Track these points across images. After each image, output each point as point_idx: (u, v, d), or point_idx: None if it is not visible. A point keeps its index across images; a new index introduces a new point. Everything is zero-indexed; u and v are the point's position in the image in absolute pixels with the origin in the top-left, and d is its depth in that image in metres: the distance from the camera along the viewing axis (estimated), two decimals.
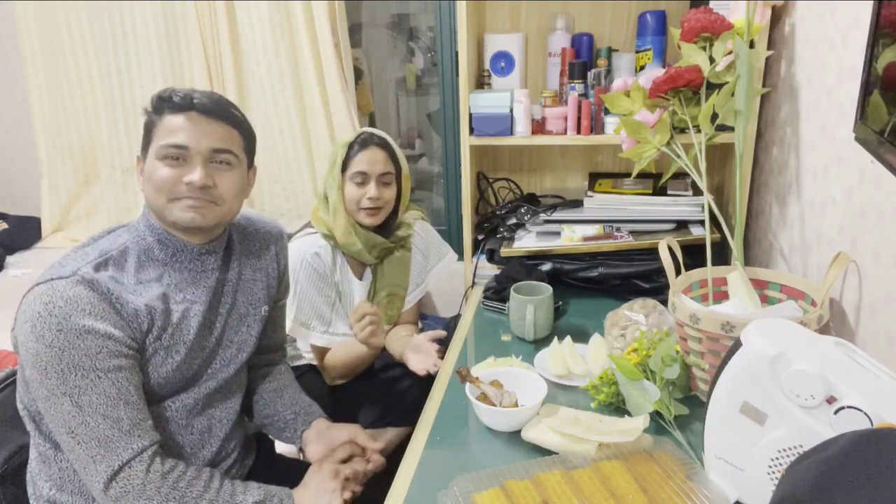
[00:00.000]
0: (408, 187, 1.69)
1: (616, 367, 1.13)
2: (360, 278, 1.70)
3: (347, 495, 1.14)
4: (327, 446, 1.25)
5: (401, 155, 1.65)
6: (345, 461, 1.22)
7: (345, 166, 1.59)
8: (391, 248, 1.68)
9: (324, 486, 1.13)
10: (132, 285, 1.04)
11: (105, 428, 0.97)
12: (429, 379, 1.40)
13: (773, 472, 0.83)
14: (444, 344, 1.52)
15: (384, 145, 1.60)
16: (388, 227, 1.66)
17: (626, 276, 1.62)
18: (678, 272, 1.24)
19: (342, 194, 1.59)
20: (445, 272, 1.84)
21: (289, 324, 1.53)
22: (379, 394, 1.65)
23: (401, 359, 1.57)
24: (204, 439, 1.15)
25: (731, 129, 1.25)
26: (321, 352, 1.66)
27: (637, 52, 1.80)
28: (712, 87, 1.27)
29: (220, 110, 1.08)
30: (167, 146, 1.04)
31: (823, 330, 1.05)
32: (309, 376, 1.70)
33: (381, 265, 1.70)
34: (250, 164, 1.17)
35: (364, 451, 1.26)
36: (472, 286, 1.85)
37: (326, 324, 1.62)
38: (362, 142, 1.59)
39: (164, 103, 1.06)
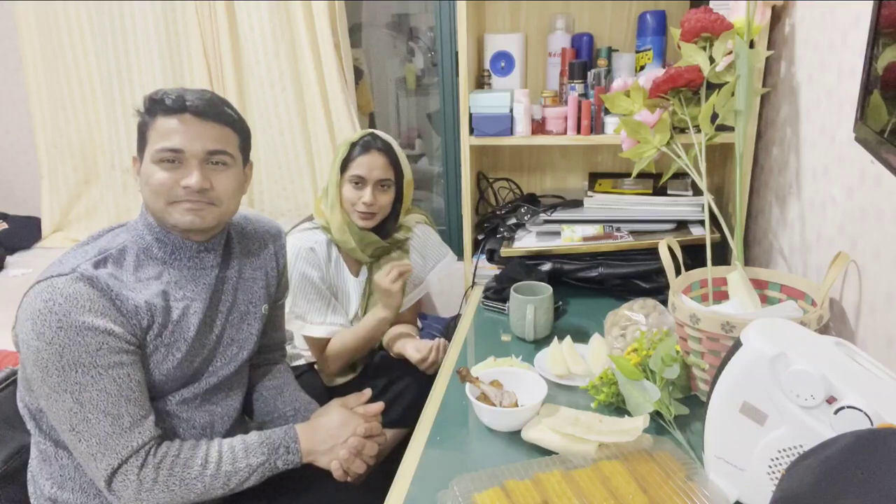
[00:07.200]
0: (409, 193, 1.69)
1: (616, 367, 1.13)
2: (356, 275, 1.70)
3: (361, 467, 1.16)
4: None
5: (404, 161, 1.64)
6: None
7: (344, 166, 1.58)
8: (387, 248, 1.68)
9: (335, 431, 1.16)
10: (131, 283, 1.04)
11: (105, 425, 0.98)
12: (428, 379, 1.40)
13: (773, 472, 0.83)
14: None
15: (386, 150, 1.59)
16: (384, 229, 1.66)
17: (626, 276, 1.62)
18: (678, 272, 1.24)
19: (339, 192, 1.59)
20: (445, 272, 1.83)
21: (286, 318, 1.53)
22: (377, 394, 1.65)
23: (398, 355, 1.58)
24: (205, 434, 1.16)
25: (731, 129, 1.25)
26: (318, 346, 1.65)
27: (637, 52, 1.80)
28: (712, 87, 1.27)
29: (213, 111, 1.07)
30: (162, 150, 1.04)
31: (823, 330, 1.05)
32: (308, 376, 1.69)
33: (378, 264, 1.70)
34: (246, 160, 1.17)
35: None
36: (472, 286, 1.85)
37: (323, 315, 1.62)
38: (364, 144, 1.58)
39: (157, 105, 1.05)
